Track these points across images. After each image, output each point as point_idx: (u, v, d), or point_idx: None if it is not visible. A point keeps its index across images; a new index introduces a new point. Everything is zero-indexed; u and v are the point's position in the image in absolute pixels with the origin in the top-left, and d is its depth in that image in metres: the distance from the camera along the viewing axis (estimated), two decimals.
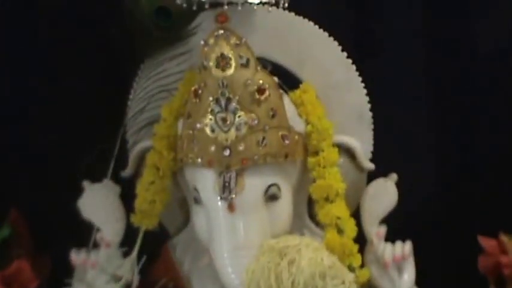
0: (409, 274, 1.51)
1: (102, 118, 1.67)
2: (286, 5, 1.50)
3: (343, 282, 1.44)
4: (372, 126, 1.59)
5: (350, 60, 1.57)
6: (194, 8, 1.46)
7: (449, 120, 1.86)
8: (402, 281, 1.51)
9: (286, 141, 1.45)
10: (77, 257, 1.56)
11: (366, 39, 1.76)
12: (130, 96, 1.64)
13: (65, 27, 1.80)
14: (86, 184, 1.59)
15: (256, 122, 1.42)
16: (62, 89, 1.78)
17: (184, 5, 1.47)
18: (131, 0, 1.57)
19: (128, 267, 1.56)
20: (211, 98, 1.42)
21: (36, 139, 1.82)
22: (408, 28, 1.86)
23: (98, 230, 1.58)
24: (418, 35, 1.86)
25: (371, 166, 1.57)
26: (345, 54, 1.57)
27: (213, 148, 1.42)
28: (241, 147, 1.41)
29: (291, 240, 1.46)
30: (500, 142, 1.86)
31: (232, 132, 1.42)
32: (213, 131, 1.42)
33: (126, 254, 1.56)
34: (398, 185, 1.54)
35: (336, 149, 1.51)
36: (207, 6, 1.46)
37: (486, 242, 1.55)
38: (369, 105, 1.58)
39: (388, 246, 1.50)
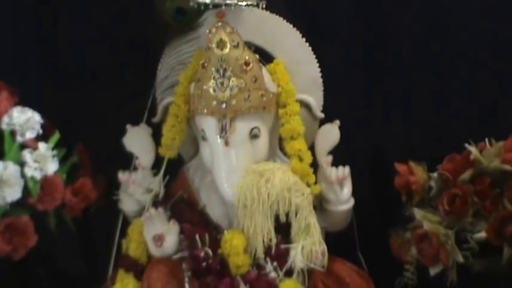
0: (347, 188, 1.69)
1: (140, 82, 1.85)
2: (264, 6, 1.69)
3: (303, 194, 1.64)
4: (322, 88, 1.76)
5: (307, 43, 1.74)
6: (202, 8, 1.66)
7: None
8: (343, 193, 1.68)
9: (264, 98, 1.65)
10: (122, 176, 1.76)
11: (318, 27, 1.89)
12: (158, 68, 1.83)
13: (117, 19, 1.98)
14: (128, 126, 1.78)
15: (243, 85, 1.62)
16: (115, 63, 1.99)
17: (195, 6, 1.66)
18: (159, 3, 1.74)
19: (157, 183, 1.74)
20: (213, 69, 1.62)
21: (95, 95, 2.00)
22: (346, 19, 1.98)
23: (137, 158, 1.78)
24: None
25: (321, 115, 1.75)
26: (304, 39, 1.74)
27: (214, 103, 1.62)
28: (233, 102, 1.61)
29: (267, 165, 1.66)
30: None
31: (227, 92, 1.62)
32: (214, 91, 1.62)
33: (155, 174, 1.76)
34: (340, 128, 1.71)
35: (298, 104, 1.70)
36: (211, 6, 1.67)
37: (400, 167, 1.71)
38: (320, 74, 1.75)
39: (334, 169, 1.68)
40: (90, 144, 1.87)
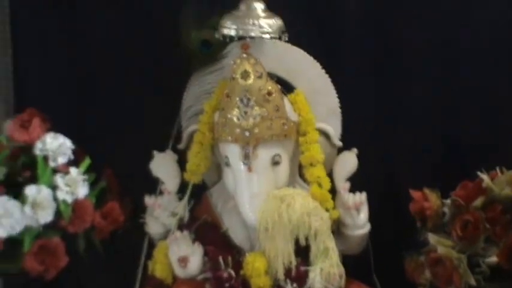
0: (364, 214, 1.75)
1: (166, 110, 1.91)
2: (286, 38, 1.76)
3: (322, 219, 1.70)
4: (341, 118, 1.83)
5: (327, 75, 1.81)
6: (227, 40, 1.74)
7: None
8: (360, 218, 1.75)
9: (285, 127, 1.72)
10: (149, 200, 1.83)
11: (336, 59, 1.96)
12: (184, 96, 1.89)
13: (144, 48, 2.06)
14: (155, 153, 1.85)
15: (266, 114, 1.69)
16: (143, 91, 2.07)
17: (221, 38, 1.75)
18: (186, 35, 1.82)
19: (182, 207, 1.81)
20: (237, 98, 1.69)
21: (124, 122, 2.07)
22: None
23: (162, 183, 1.84)
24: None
25: (340, 143, 1.82)
26: (323, 70, 1.81)
27: (238, 130, 1.69)
28: (256, 130, 1.68)
29: (288, 190, 1.73)
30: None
31: (251, 120, 1.69)
32: (238, 119, 1.69)
33: (180, 199, 1.82)
34: (357, 155, 1.78)
35: (317, 132, 1.77)
36: (235, 38, 1.75)
37: (415, 194, 1.78)
38: (339, 104, 1.82)
39: (351, 195, 1.75)
40: (118, 169, 1.93)
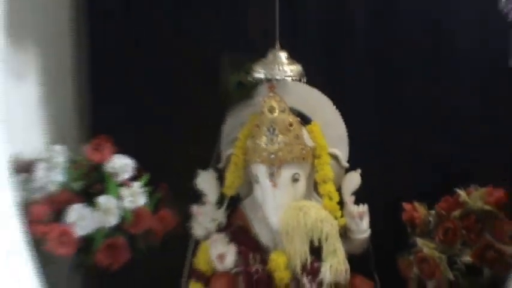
0: (366, 221, 2.03)
1: (209, 138, 2.17)
2: (305, 80, 2.04)
3: (332, 225, 1.98)
4: (348, 144, 2.10)
5: (337, 110, 2.09)
6: (257, 82, 2.06)
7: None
8: (362, 225, 2.02)
9: (304, 151, 2.01)
10: (194, 209, 2.10)
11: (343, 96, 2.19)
12: (223, 126, 2.18)
13: (195, 88, 2.35)
14: (200, 171, 2.14)
15: (288, 141, 1.98)
16: (193, 121, 2.33)
17: (253, 81, 2.05)
18: (225, 78, 2.12)
19: (220, 215, 2.10)
20: (265, 128, 1.98)
21: (177, 146, 2.33)
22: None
23: (205, 195, 2.12)
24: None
25: (347, 165, 2.10)
26: (334, 106, 2.10)
27: (265, 154, 1.99)
28: (280, 154, 1.97)
29: (305, 202, 2.01)
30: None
31: (276, 146, 1.97)
32: (265, 145, 1.98)
33: (219, 208, 2.10)
34: (360, 175, 2.05)
35: (329, 156, 2.05)
36: (264, 81, 2.04)
37: (406, 206, 2.07)
38: (346, 133, 2.10)
39: (355, 206, 2.03)
40: (171, 184, 2.21)
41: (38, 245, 2.00)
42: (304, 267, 1.98)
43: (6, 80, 1.98)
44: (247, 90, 2.12)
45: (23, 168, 2.10)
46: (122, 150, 2.16)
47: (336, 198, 2.04)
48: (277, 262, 2.00)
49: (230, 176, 2.09)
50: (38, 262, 1.91)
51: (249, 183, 2.11)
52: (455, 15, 2.27)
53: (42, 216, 2.03)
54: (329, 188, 2.04)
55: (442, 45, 2.29)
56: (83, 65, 2.44)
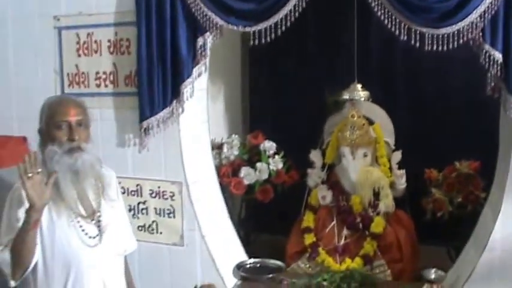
0: (403, 179, 3.34)
1: (319, 131, 3.54)
2: (371, 99, 3.41)
3: (385, 180, 3.31)
4: (394, 135, 3.40)
5: (387, 115, 3.43)
6: (345, 101, 3.43)
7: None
8: (402, 180, 3.33)
9: (370, 140, 3.35)
10: (309, 170, 3.47)
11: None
12: (325, 126, 3.54)
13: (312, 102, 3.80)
14: (312, 150, 3.47)
15: (361, 134, 3.30)
16: (310, 121, 3.68)
17: (343, 100, 3.40)
18: (328, 99, 3.49)
19: (323, 174, 3.45)
20: (349, 126, 3.32)
21: (300, 135, 3.66)
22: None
23: (315, 162, 3.48)
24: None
25: (393, 147, 3.38)
26: (385, 113, 3.42)
27: (349, 141, 3.31)
28: (358, 140, 3.30)
29: (371, 167, 3.36)
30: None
31: (354, 136, 3.31)
32: (349, 136, 3.30)
33: (322, 170, 3.47)
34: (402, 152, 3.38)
35: (384, 142, 3.36)
36: (348, 100, 3.41)
37: (427, 171, 3.38)
38: (393, 129, 3.40)
39: (398, 171, 3.33)
40: (296, 157, 3.57)
41: (224, 191, 3.50)
42: (369, 204, 3.31)
43: (207, 100, 3.43)
44: (339, 105, 3.51)
45: (217, 147, 3.66)
46: (269, 137, 3.62)
47: (387, 165, 3.36)
48: (355, 201, 3.34)
49: (329, 153, 3.46)
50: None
51: (339, 157, 3.42)
52: None
53: (227, 173, 3.55)
54: (384, 160, 3.39)
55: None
56: (246, 87, 4.04)
